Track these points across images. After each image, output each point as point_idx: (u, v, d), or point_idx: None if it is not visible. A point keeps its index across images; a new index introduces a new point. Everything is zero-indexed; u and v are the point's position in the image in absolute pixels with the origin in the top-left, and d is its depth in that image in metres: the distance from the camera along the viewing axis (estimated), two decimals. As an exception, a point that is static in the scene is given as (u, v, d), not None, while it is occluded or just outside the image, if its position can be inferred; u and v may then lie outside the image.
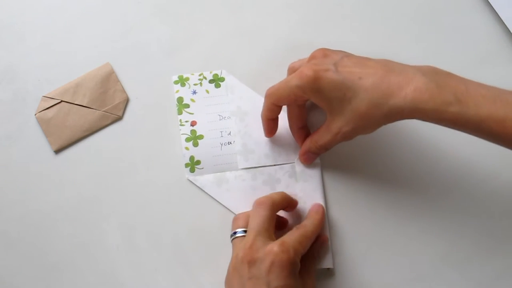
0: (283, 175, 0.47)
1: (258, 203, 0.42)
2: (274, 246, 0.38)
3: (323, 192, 0.47)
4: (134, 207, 0.47)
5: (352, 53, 0.42)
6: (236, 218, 0.43)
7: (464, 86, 0.37)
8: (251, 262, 0.38)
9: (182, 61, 0.50)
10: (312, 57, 0.42)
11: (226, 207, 0.47)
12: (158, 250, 0.46)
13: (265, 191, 0.46)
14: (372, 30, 0.51)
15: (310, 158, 0.46)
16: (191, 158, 0.48)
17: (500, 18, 0.50)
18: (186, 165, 0.47)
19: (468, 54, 0.50)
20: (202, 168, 0.47)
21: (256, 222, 0.40)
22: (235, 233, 0.42)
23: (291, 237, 0.40)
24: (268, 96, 0.44)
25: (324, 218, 0.45)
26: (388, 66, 0.39)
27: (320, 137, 0.44)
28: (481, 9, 0.51)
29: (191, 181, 0.47)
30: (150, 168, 0.48)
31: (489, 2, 0.51)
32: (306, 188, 0.46)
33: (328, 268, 0.45)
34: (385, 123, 0.39)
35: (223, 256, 0.44)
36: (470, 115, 0.36)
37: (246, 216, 0.43)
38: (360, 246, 0.46)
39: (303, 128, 0.46)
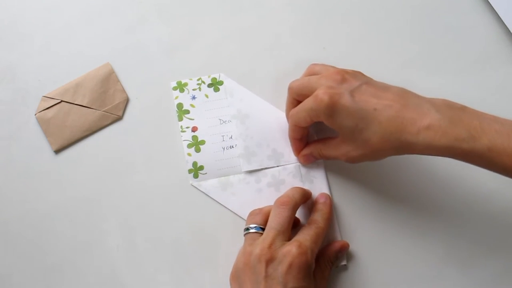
0: (287, 176, 0.47)
1: (280, 203, 0.42)
2: (293, 248, 0.39)
3: (330, 193, 0.47)
4: (134, 207, 0.47)
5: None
6: (253, 213, 0.43)
7: (477, 121, 0.37)
8: (269, 261, 0.38)
9: (182, 61, 0.50)
10: (331, 77, 0.41)
11: (232, 211, 0.47)
12: (158, 250, 0.46)
13: (270, 193, 0.47)
14: (372, 30, 0.51)
15: (309, 160, 0.47)
16: (194, 164, 0.47)
17: (500, 18, 0.50)
18: (190, 171, 0.47)
19: (468, 54, 0.50)
20: (206, 173, 0.47)
21: (277, 222, 0.41)
22: (250, 228, 0.42)
23: (306, 237, 0.40)
24: (290, 118, 0.45)
25: (332, 208, 0.45)
26: (404, 98, 0.39)
27: (326, 149, 0.44)
28: (481, 9, 0.51)
29: (195, 187, 0.47)
30: (150, 168, 0.48)
31: (489, 2, 0.51)
32: (313, 189, 0.47)
33: (344, 264, 0.45)
34: (394, 155, 0.40)
35: (223, 256, 0.45)
36: (483, 150, 0.36)
37: (264, 213, 0.43)
38: (362, 245, 0.46)
39: (301, 140, 0.46)
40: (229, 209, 0.47)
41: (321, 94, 0.39)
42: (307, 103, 0.41)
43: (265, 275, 0.38)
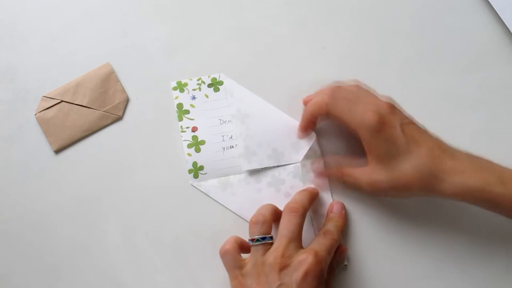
0: (287, 176, 0.47)
1: (290, 210, 0.42)
2: (310, 256, 0.38)
3: (330, 193, 0.47)
4: (134, 207, 0.47)
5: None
6: (257, 223, 0.42)
7: (508, 170, 0.40)
8: (283, 269, 0.38)
9: (182, 61, 0.50)
10: (382, 106, 0.42)
11: (232, 211, 0.47)
12: (158, 250, 0.46)
13: (270, 193, 0.47)
14: (372, 29, 0.51)
15: (321, 176, 0.47)
16: (194, 164, 0.47)
17: (500, 18, 0.50)
18: (190, 171, 0.47)
19: (468, 54, 0.50)
20: (206, 174, 0.47)
21: (289, 229, 0.40)
22: (261, 239, 0.41)
23: (322, 247, 0.40)
24: (326, 105, 0.43)
25: (345, 220, 0.45)
26: (442, 144, 0.42)
27: (349, 170, 0.44)
28: (481, 9, 0.51)
29: (195, 187, 0.47)
30: (150, 168, 0.48)
31: (489, 2, 0.51)
32: None
33: (345, 265, 0.45)
34: (420, 195, 0.41)
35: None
36: None
37: (269, 222, 0.42)
38: (362, 245, 0.46)
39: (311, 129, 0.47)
40: (229, 209, 0.47)
41: (375, 114, 0.40)
42: (356, 114, 0.41)
43: (279, 283, 0.38)
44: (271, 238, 0.41)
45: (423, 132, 0.42)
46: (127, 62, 0.50)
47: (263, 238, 0.41)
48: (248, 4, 0.52)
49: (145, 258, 0.46)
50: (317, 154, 0.48)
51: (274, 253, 0.39)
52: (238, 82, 0.50)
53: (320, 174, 0.47)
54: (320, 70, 0.50)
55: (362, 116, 0.41)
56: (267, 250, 0.40)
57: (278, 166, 0.47)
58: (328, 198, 0.47)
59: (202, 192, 0.47)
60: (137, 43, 0.51)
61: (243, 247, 0.43)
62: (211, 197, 0.47)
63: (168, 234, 0.46)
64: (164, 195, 0.47)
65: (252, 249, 0.41)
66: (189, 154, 0.48)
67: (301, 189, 0.46)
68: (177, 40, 0.51)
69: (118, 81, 0.50)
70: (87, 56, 0.50)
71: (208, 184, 0.47)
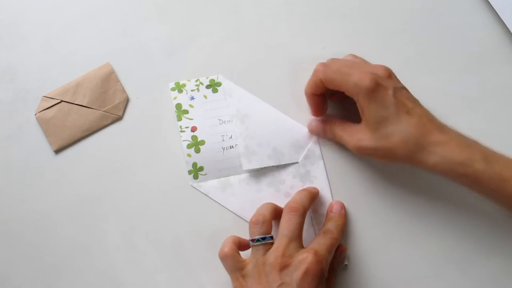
0: (287, 176, 0.47)
1: (290, 209, 0.42)
2: (310, 255, 0.39)
3: (330, 193, 0.47)
4: (134, 207, 0.47)
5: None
6: (256, 223, 0.42)
7: (493, 151, 0.40)
8: (283, 268, 0.38)
9: (182, 61, 0.50)
10: (378, 69, 0.42)
11: (232, 212, 0.47)
12: (158, 250, 0.46)
13: (270, 193, 0.47)
14: (372, 29, 0.51)
15: (315, 132, 0.48)
16: (194, 164, 0.47)
17: (500, 18, 0.50)
18: (190, 172, 0.47)
19: (468, 54, 0.50)
20: (206, 174, 0.47)
21: (289, 229, 0.41)
22: (261, 239, 0.41)
23: (322, 246, 0.40)
24: (319, 72, 0.43)
25: (345, 219, 0.45)
26: (431, 116, 0.42)
27: (340, 129, 0.45)
28: (481, 9, 0.51)
29: (195, 188, 0.47)
30: (150, 168, 0.48)
31: (489, 2, 0.51)
32: None
33: (345, 264, 0.45)
34: (403, 162, 0.41)
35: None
36: (494, 174, 0.38)
37: (268, 222, 0.42)
38: (362, 245, 0.46)
39: (321, 97, 0.46)
40: (229, 210, 0.47)
41: (369, 75, 0.41)
42: (351, 76, 0.41)
43: (280, 282, 0.38)
44: (272, 238, 0.41)
45: (414, 101, 0.42)
46: (127, 62, 0.50)
47: (264, 238, 0.41)
48: (247, 4, 0.52)
49: (145, 258, 0.46)
50: (316, 153, 0.48)
51: (275, 253, 0.39)
52: (237, 83, 0.50)
53: (313, 130, 0.48)
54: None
55: (357, 78, 0.41)
56: (267, 250, 0.40)
57: (277, 166, 0.47)
58: (328, 198, 0.47)
59: (202, 193, 0.47)
60: (137, 43, 0.51)
61: (242, 246, 0.43)
62: (211, 198, 0.47)
63: (168, 234, 0.46)
64: (164, 196, 0.47)
65: (253, 249, 0.41)
66: (189, 155, 0.48)
67: (301, 188, 0.46)
68: (177, 40, 0.51)
69: (118, 81, 0.50)
70: (87, 56, 0.50)
71: (208, 185, 0.47)
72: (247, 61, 0.50)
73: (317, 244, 0.41)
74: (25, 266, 0.46)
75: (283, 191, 0.47)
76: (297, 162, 0.47)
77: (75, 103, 0.49)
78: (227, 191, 0.47)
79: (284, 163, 0.47)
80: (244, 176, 0.47)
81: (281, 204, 0.46)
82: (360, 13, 0.52)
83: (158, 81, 0.50)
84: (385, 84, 0.41)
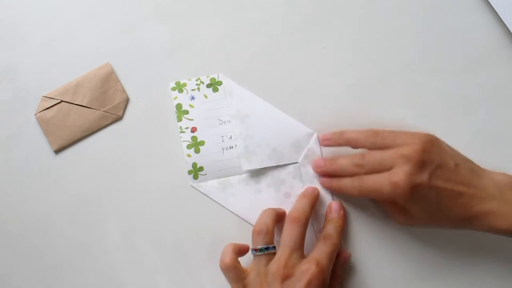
0: (287, 176, 0.47)
1: (292, 219, 0.42)
2: (312, 266, 0.39)
3: (330, 193, 0.47)
4: (134, 207, 0.47)
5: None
6: (260, 233, 0.42)
7: None
8: (285, 279, 0.39)
9: (182, 61, 0.50)
10: (410, 159, 0.40)
11: (232, 212, 0.46)
12: (158, 250, 0.46)
13: (270, 193, 0.47)
14: (372, 30, 0.51)
15: (331, 188, 0.46)
16: (194, 164, 0.47)
17: (500, 18, 0.50)
18: (189, 172, 0.47)
19: (468, 54, 0.50)
20: (206, 174, 0.47)
21: (291, 239, 0.41)
22: (264, 249, 0.41)
23: (323, 254, 0.40)
24: (354, 190, 0.42)
25: (345, 220, 0.46)
26: (473, 181, 0.41)
27: (392, 217, 0.45)
28: (481, 9, 0.51)
29: (195, 188, 0.47)
30: (150, 168, 0.48)
31: (489, 2, 0.51)
32: None
33: None
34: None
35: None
36: None
37: (271, 232, 0.42)
38: (362, 246, 0.46)
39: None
40: (229, 210, 0.47)
41: (402, 183, 0.39)
42: (383, 187, 0.40)
43: None
44: (274, 248, 0.41)
45: (450, 174, 0.40)
46: (127, 62, 0.50)
47: (266, 248, 0.41)
48: (247, 4, 0.52)
49: (145, 258, 0.46)
50: (316, 153, 0.48)
51: (277, 263, 0.39)
52: (237, 82, 0.50)
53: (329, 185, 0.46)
54: (320, 70, 0.50)
55: (389, 190, 0.39)
56: (270, 259, 0.40)
57: (277, 166, 0.47)
58: (328, 198, 0.47)
59: (202, 193, 0.47)
60: (137, 43, 0.51)
61: (241, 251, 0.43)
62: (211, 198, 0.47)
63: (168, 234, 0.47)
64: (164, 196, 0.47)
65: (255, 258, 0.41)
66: (189, 155, 0.48)
67: (301, 192, 0.46)
68: (177, 40, 0.51)
69: (118, 81, 0.50)
70: (87, 56, 0.50)
71: (208, 185, 0.47)
72: (246, 61, 0.50)
73: (318, 253, 0.41)
74: (25, 266, 0.46)
75: (283, 191, 0.47)
76: (297, 162, 0.47)
77: (75, 103, 0.49)
78: (227, 191, 0.47)
79: (284, 163, 0.47)
80: (244, 176, 0.47)
81: (281, 205, 0.46)
82: (360, 13, 0.52)
83: (158, 81, 0.50)
84: (419, 180, 0.39)
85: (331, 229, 0.43)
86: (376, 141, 0.42)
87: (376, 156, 0.41)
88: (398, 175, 0.39)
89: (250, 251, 0.43)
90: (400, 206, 0.42)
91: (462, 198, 0.40)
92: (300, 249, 0.41)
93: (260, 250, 0.41)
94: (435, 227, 0.45)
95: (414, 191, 0.39)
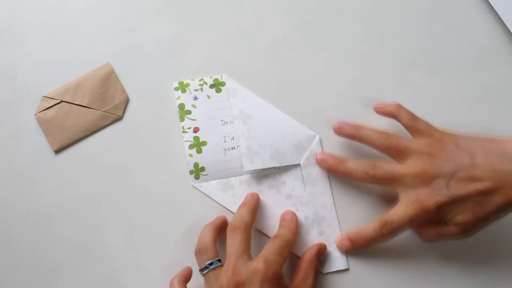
0: (288, 177, 0.47)
1: (232, 228, 0.42)
2: (259, 264, 0.39)
3: (331, 195, 0.47)
4: (134, 207, 0.47)
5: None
6: (200, 251, 0.42)
7: None
8: (239, 285, 0.38)
9: (184, 61, 0.50)
10: (421, 176, 0.41)
11: (233, 213, 0.46)
12: (158, 250, 0.46)
13: (271, 195, 0.47)
14: (372, 30, 0.51)
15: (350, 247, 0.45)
16: (196, 165, 0.47)
17: (500, 18, 0.50)
18: (191, 172, 0.47)
19: (468, 54, 0.50)
20: (207, 175, 0.47)
21: (234, 246, 0.40)
22: (209, 265, 0.41)
23: (270, 250, 0.40)
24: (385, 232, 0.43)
25: (298, 224, 0.45)
26: (499, 176, 0.40)
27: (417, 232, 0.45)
28: (481, 9, 0.51)
29: (196, 188, 0.47)
30: (151, 169, 0.48)
31: (489, 2, 0.51)
32: (314, 192, 0.47)
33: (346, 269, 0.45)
34: None
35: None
36: None
37: (212, 245, 0.42)
38: (359, 250, 0.46)
39: None
40: (230, 211, 0.47)
41: (427, 202, 0.41)
42: (409, 210, 0.41)
43: None
44: (219, 261, 0.41)
45: (468, 174, 0.41)
46: (127, 62, 0.50)
47: (211, 264, 0.41)
48: (249, 4, 0.52)
49: (145, 258, 0.46)
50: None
51: (226, 274, 0.39)
52: (240, 83, 0.50)
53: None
54: (320, 70, 0.50)
55: (416, 213, 0.41)
56: (219, 273, 0.40)
57: (279, 168, 0.47)
58: (329, 199, 0.47)
59: (203, 193, 0.47)
60: (137, 43, 0.51)
61: (187, 279, 0.43)
62: (212, 198, 0.47)
63: (168, 234, 0.46)
64: (165, 196, 0.47)
65: (205, 278, 0.41)
66: (191, 155, 0.48)
67: (243, 201, 0.46)
68: (178, 40, 0.51)
69: (118, 81, 0.50)
70: (87, 56, 0.50)
71: (209, 185, 0.47)
72: (248, 62, 0.50)
73: (266, 250, 0.41)
74: (25, 266, 0.46)
75: (284, 193, 0.47)
76: (298, 164, 0.47)
77: (75, 103, 0.49)
78: (228, 192, 0.47)
79: (285, 164, 0.47)
80: (245, 177, 0.47)
81: (282, 206, 0.46)
82: (360, 14, 0.52)
83: (158, 81, 0.50)
84: (439, 196, 0.40)
85: (282, 230, 0.44)
86: (391, 145, 0.43)
87: (387, 169, 0.43)
88: (423, 195, 0.41)
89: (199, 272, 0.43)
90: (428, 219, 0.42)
91: (492, 194, 0.40)
92: (245, 253, 0.40)
93: (206, 268, 0.41)
94: (481, 226, 0.42)
95: (439, 206, 0.40)
